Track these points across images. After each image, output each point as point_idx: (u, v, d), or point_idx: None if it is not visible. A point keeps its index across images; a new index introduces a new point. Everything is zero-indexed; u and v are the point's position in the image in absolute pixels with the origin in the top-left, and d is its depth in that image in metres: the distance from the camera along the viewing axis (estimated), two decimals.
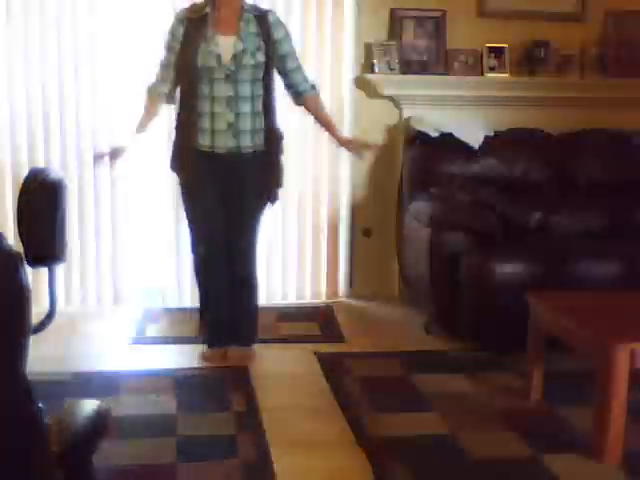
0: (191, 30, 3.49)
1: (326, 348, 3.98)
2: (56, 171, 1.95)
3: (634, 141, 4.79)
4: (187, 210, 3.69)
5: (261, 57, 3.51)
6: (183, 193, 3.70)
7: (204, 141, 3.53)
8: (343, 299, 4.86)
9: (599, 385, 2.84)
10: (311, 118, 4.77)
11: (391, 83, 4.68)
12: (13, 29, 4.29)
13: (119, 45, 4.43)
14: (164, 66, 3.60)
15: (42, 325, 1.95)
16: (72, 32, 4.35)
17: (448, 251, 3.93)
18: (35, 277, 3.56)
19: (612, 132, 4.79)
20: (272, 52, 3.54)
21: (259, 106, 3.56)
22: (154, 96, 3.66)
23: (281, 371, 3.72)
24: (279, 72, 3.63)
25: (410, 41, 4.74)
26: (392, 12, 4.72)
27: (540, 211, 4.32)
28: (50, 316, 2.03)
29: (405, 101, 4.73)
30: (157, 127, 4.36)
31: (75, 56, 4.38)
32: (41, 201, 1.81)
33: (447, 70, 4.79)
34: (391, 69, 4.64)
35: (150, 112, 3.69)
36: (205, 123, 3.51)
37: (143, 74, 4.39)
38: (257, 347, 3.89)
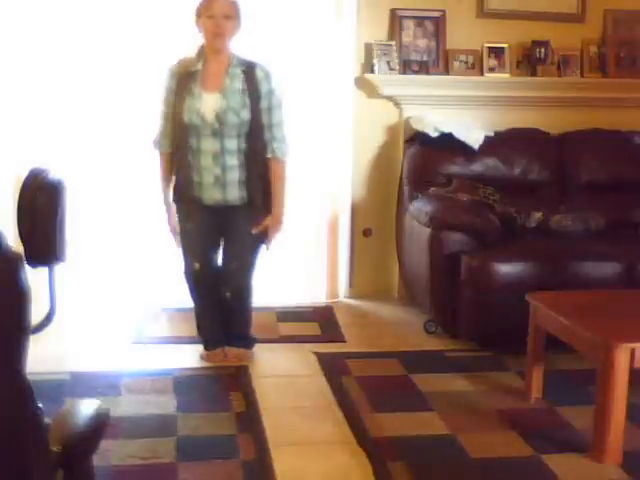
0: (181, 85, 3.50)
1: (326, 348, 3.98)
2: (56, 171, 1.95)
3: (634, 141, 4.79)
4: (179, 231, 3.70)
5: (246, 115, 3.47)
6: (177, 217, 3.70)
7: (194, 192, 3.57)
8: (343, 299, 4.86)
9: (599, 385, 2.84)
10: (311, 118, 4.78)
11: (391, 83, 4.67)
12: (14, 28, 4.29)
13: (121, 45, 4.43)
14: (164, 120, 3.58)
15: (42, 325, 1.95)
16: (74, 31, 4.35)
17: (448, 251, 3.93)
18: (35, 277, 3.56)
19: (612, 132, 4.79)
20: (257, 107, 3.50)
21: (246, 159, 3.54)
22: (164, 153, 3.63)
23: (281, 371, 3.72)
24: None
25: (410, 41, 4.74)
26: (392, 12, 4.72)
27: (540, 211, 4.31)
28: (50, 316, 2.03)
29: (405, 101, 4.73)
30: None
31: (76, 56, 4.37)
32: (41, 201, 1.81)
33: (447, 70, 4.79)
34: (391, 69, 4.64)
35: (167, 176, 3.65)
36: (194, 175, 3.54)
37: (145, 75, 4.42)
38: (257, 347, 3.90)
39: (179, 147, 3.56)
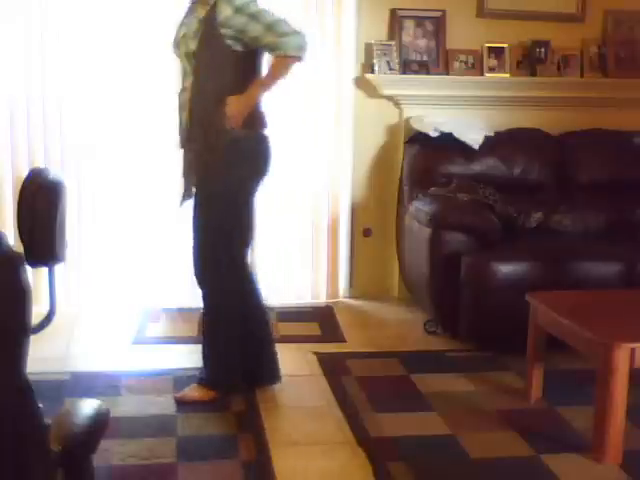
0: None
1: (326, 348, 3.98)
2: (56, 172, 1.95)
3: (634, 141, 4.79)
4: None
5: None
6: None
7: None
8: (343, 299, 4.86)
9: (599, 385, 2.84)
10: (311, 118, 4.77)
11: (391, 83, 4.67)
12: (13, 29, 4.28)
13: (120, 46, 4.42)
14: None
15: (42, 325, 1.96)
16: (72, 32, 4.34)
17: (448, 251, 3.93)
18: (35, 277, 3.56)
19: (612, 132, 4.79)
20: None
21: None
22: None
23: (281, 371, 3.71)
24: None
25: (410, 41, 4.74)
26: (392, 12, 4.72)
27: (540, 211, 4.31)
28: (50, 316, 2.03)
29: (405, 101, 4.73)
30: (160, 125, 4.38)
31: (75, 56, 4.37)
32: (41, 201, 1.82)
33: (447, 70, 4.79)
34: (391, 69, 4.64)
35: None
36: None
37: (143, 74, 4.42)
38: None
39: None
